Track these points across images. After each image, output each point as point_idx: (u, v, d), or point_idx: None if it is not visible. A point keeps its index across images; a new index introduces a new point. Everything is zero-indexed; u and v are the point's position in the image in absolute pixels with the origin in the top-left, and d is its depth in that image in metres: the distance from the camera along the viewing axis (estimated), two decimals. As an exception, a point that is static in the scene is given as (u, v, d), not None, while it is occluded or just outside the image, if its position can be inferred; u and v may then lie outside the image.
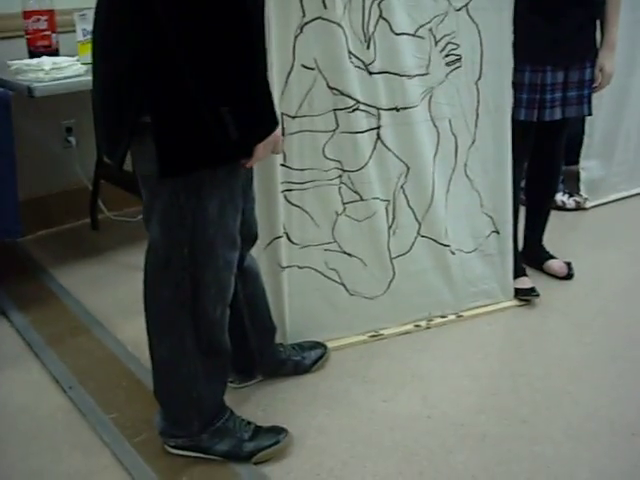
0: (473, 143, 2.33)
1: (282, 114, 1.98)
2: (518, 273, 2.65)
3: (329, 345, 2.24)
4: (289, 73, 1.95)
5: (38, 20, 2.77)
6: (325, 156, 2.08)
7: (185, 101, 1.34)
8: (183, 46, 1.28)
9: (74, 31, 2.74)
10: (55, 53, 2.79)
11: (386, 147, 2.15)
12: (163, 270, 1.57)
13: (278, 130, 1.48)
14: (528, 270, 2.76)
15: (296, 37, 1.93)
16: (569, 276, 2.81)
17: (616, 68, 2.54)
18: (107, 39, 1.45)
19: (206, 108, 1.33)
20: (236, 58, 1.30)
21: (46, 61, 2.56)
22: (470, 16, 2.19)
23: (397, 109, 2.12)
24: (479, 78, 2.27)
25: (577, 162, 3.57)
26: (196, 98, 1.32)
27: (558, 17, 2.35)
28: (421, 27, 2.11)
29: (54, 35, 2.81)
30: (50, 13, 2.79)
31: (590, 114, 2.59)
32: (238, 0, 1.27)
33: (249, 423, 1.83)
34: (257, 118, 1.40)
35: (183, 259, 1.54)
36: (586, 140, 3.48)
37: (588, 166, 3.57)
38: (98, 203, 3.21)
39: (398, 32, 2.05)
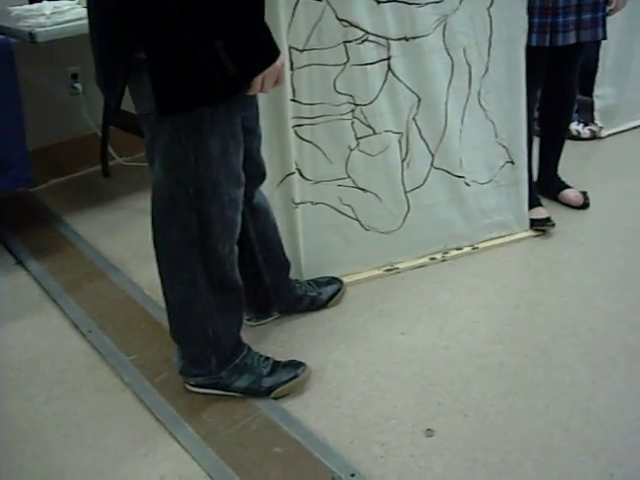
0: (487, 72, 2.28)
1: (290, 47, 1.94)
2: (533, 203, 2.62)
3: (345, 280, 2.24)
4: (296, 4, 1.90)
5: (38, -36, 2.71)
6: (336, 90, 2.04)
7: (179, 36, 1.31)
8: None
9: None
10: (56, -4, 2.73)
11: (397, 78, 2.10)
12: (169, 210, 1.56)
13: (280, 60, 1.44)
14: (543, 200, 2.73)
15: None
16: (585, 205, 2.78)
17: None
18: None
19: (199, 42, 1.30)
20: None
21: (47, 5, 2.52)
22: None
23: (406, 39, 2.07)
24: (491, 5, 2.19)
25: (592, 92, 3.49)
26: (188, 32, 1.29)
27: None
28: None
29: (54, -23, 2.75)
30: (50, -44, 2.72)
31: (605, 38, 2.50)
32: None
33: (267, 358, 1.84)
34: (254, 50, 1.36)
35: (188, 198, 1.53)
36: (600, 67, 3.40)
37: (602, 94, 3.49)
38: (108, 149, 3.19)
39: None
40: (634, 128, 3.62)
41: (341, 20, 1.96)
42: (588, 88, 3.46)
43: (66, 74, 3.14)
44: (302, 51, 1.96)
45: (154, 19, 1.31)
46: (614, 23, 2.95)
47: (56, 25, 2.42)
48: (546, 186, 2.82)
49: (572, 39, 2.40)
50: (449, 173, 2.32)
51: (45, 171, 3.12)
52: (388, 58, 2.07)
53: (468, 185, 2.37)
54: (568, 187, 2.83)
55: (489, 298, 2.22)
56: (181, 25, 1.29)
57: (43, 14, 2.45)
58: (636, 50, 3.45)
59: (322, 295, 2.15)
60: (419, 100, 2.17)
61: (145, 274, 2.39)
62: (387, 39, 2.04)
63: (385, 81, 2.09)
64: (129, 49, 1.37)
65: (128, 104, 1.52)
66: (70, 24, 2.43)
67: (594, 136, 3.50)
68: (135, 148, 3.19)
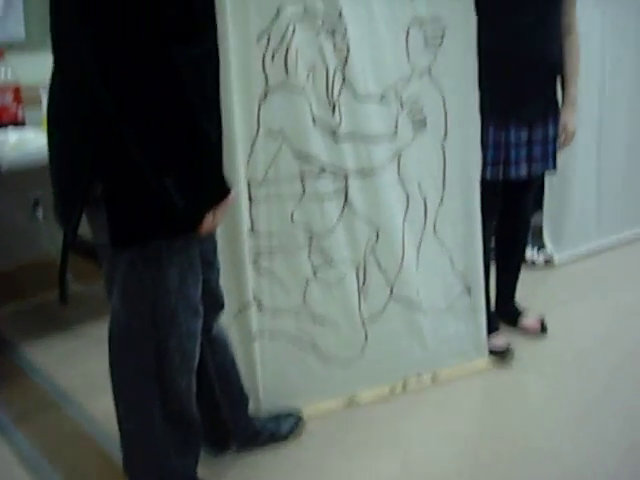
0: (442, 203, 2.35)
1: (248, 180, 1.98)
2: (492, 330, 2.64)
3: (305, 412, 2.20)
4: (254, 140, 1.96)
5: (4, 94, 2.78)
6: (293, 221, 2.08)
7: (133, 171, 1.33)
8: (122, 117, 1.28)
9: (40, 104, 2.74)
10: (21, 126, 2.79)
11: (354, 211, 2.15)
12: (126, 341, 1.55)
13: (232, 195, 1.46)
14: (502, 327, 2.75)
15: (260, 104, 1.94)
16: (543, 331, 2.81)
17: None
18: (61, 109, 1.45)
19: (151, 178, 1.32)
20: (176, 128, 1.31)
21: (12, 135, 2.55)
22: (434, 78, 2.23)
23: (364, 172, 2.13)
24: (444, 138, 2.29)
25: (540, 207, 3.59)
26: (142, 168, 1.32)
27: (519, 77, 2.40)
28: (386, 91, 2.14)
29: (20, 109, 2.81)
30: (16, 87, 2.80)
31: (554, 168, 2.62)
32: (173, 71, 1.28)
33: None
34: (203, 187, 1.39)
35: (145, 329, 1.51)
36: (546, 192, 3.50)
37: (550, 219, 3.60)
38: (67, 276, 3.17)
39: (363, 97, 2.07)
40: (587, 252, 3.71)
41: (298, 154, 2.02)
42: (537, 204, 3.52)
43: (28, 200, 3.15)
44: (260, 184, 2.01)
45: (110, 153, 1.34)
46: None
47: (20, 154, 2.45)
48: (504, 313, 2.85)
49: (524, 172, 2.51)
50: (407, 303, 2.34)
51: (1, 296, 3.07)
52: (345, 191, 2.12)
53: (426, 314, 2.39)
54: (525, 314, 2.86)
55: (451, 429, 2.19)
56: (135, 160, 1.32)
57: (8, 143, 2.49)
58: (581, 173, 3.58)
59: (281, 429, 2.11)
60: (377, 232, 2.21)
61: (101, 406, 2.32)
62: (344, 173, 2.10)
63: (342, 213, 2.13)
64: (87, 181, 1.39)
65: (89, 231, 1.53)
66: (34, 154, 2.46)
67: (548, 261, 3.57)
68: (94, 275, 3.16)
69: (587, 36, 2.90)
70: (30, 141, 2.53)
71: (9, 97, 2.77)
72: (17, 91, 2.79)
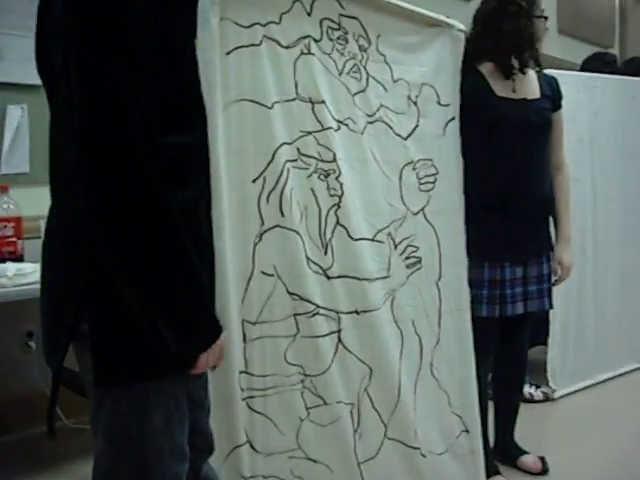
0: (438, 343, 2.33)
1: (243, 321, 1.97)
2: (491, 472, 2.57)
3: None
4: (249, 280, 1.97)
5: (5, 227, 2.82)
6: (287, 361, 2.05)
7: (122, 310, 1.33)
8: (115, 260, 1.29)
9: (40, 237, 2.77)
10: (20, 259, 2.81)
11: (348, 350, 2.13)
12: (109, 483, 1.49)
13: (223, 337, 1.45)
14: (501, 467, 2.68)
15: (255, 244, 1.96)
16: (544, 471, 2.73)
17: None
18: (55, 243, 1.46)
19: (143, 320, 1.32)
20: (169, 271, 1.31)
21: (10, 267, 2.57)
22: (427, 219, 2.28)
23: (357, 312, 2.13)
24: (439, 278, 2.31)
25: (542, 343, 3.56)
26: (132, 308, 1.32)
27: (512, 215, 2.45)
28: (380, 232, 2.17)
29: (20, 241, 2.84)
30: (17, 220, 2.84)
31: (551, 307, 2.64)
32: (167, 215, 1.30)
33: None
34: (195, 329, 1.37)
35: (129, 471, 1.46)
36: (550, 330, 3.51)
37: (552, 356, 3.58)
38: (56, 410, 3.10)
39: (356, 237, 2.10)
40: (585, 388, 3.67)
41: (291, 294, 2.02)
42: (538, 339, 3.51)
43: (21, 331, 3.13)
44: (255, 324, 1.99)
45: (99, 292, 1.34)
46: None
47: (17, 287, 2.45)
48: (503, 452, 2.78)
49: (520, 309, 2.51)
50: (403, 444, 2.28)
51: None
52: (338, 331, 2.10)
53: (424, 456, 2.32)
54: (525, 452, 2.79)
55: None
56: (125, 300, 1.31)
57: (5, 275, 2.50)
58: (581, 310, 3.60)
59: None
60: (371, 371, 2.18)
61: None
62: (338, 312, 2.10)
63: (336, 353, 2.11)
64: (74, 317, 1.38)
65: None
66: (31, 286, 2.46)
67: (547, 398, 3.52)
68: (84, 410, 3.11)
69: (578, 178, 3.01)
70: (28, 273, 2.54)
71: (10, 230, 2.81)
72: (18, 224, 2.83)
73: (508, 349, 2.69)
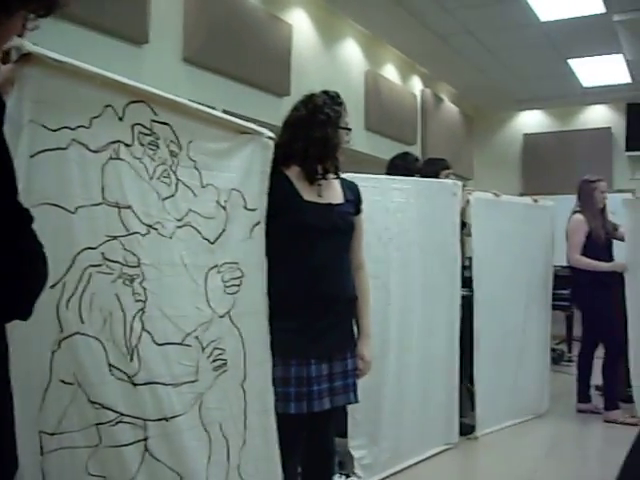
0: (244, 444, 2.33)
1: (40, 432, 1.87)
2: None
3: None
4: (46, 389, 1.87)
5: None
6: (88, 472, 1.95)
7: None
8: None
9: None
10: None
11: (155, 458, 2.07)
12: None
13: None
14: None
15: (53, 352, 1.88)
16: None
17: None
18: None
19: None
20: None
21: None
22: (232, 322, 2.30)
23: (167, 419, 2.09)
24: (244, 379, 2.33)
25: (343, 435, 3.65)
26: None
27: (317, 314, 2.54)
28: (188, 335, 2.15)
29: None
30: None
31: (357, 401, 2.72)
32: None
33: None
34: None
35: None
36: (351, 420, 3.59)
37: (357, 445, 3.66)
38: None
39: (161, 342, 2.07)
40: (391, 475, 3.79)
41: (93, 402, 1.94)
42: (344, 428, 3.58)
43: None
44: (52, 435, 1.90)
45: None
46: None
47: None
48: None
49: (327, 405, 2.57)
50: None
51: None
52: (145, 439, 2.04)
53: None
54: None
55: None
56: None
57: None
58: (383, 400, 3.74)
59: None
60: (181, 478, 2.13)
61: None
62: (144, 420, 2.04)
63: (142, 462, 2.05)
64: None
65: None
66: None
67: (356, 488, 3.59)
68: None
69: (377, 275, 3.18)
70: None
71: None
72: None
73: (316, 443, 2.73)
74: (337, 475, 3.56)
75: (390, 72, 7.58)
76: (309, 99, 2.65)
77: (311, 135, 2.57)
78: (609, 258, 5.18)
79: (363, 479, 3.63)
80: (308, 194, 2.60)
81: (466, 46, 7.19)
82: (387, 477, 3.77)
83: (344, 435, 3.63)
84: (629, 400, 5.02)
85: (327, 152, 2.59)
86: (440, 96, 8.82)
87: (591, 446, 4.98)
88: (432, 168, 4.71)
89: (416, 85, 8.28)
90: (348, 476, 3.61)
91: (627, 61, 7.47)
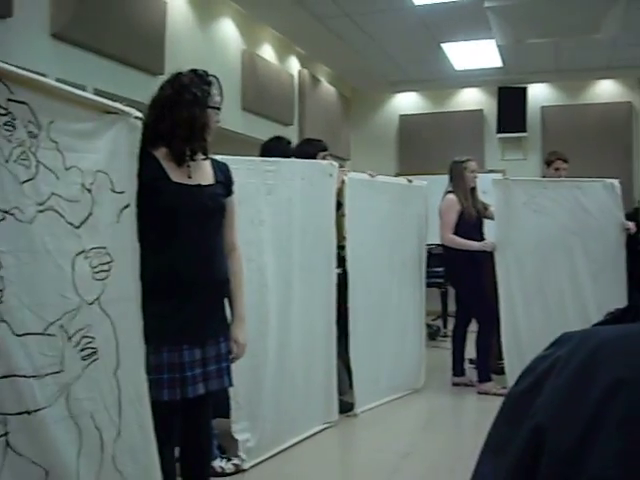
0: (119, 434, 2.27)
1: None
2: None
3: None
4: None
5: None
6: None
7: None
8: None
9: None
10: None
11: (17, 453, 1.97)
12: None
13: None
14: None
15: None
16: None
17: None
18: None
19: None
20: None
21: None
22: (102, 309, 2.22)
23: (29, 412, 1.99)
24: (117, 368, 2.26)
25: (226, 416, 3.63)
26: None
27: (189, 299, 2.50)
28: (51, 325, 2.06)
29: None
30: None
31: (231, 385, 2.70)
32: None
33: None
34: None
35: None
36: (233, 404, 3.58)
37: (239, 428, 3.65)
38: None
39: (20, 333, 1.96)
40: (276, 455, 3.81)
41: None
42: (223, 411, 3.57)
43: None
44: None
45: None
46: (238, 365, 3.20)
47: None
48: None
49: (201, 390, 2.53)
50: None
51: None
52: (5, 434, 1.94)
53: None
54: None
55: None
56: None
57: None
58: (264, 382, 3.75)
59: None
60: (47, 473, 2.04)
61: None
62: (4, 415, 1.94)
63: (4, 458, 1.95)
64: None
65: None
66: None
67: (238, 469, 3.58)
68: None
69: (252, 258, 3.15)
70: None
71: None
72: None
73: (192, 428, 2.69)
74: (219, 459, 3.54)
75: (267, 52, 7.54)
76: (175, 78, 2.59)
77: (177, 115, 2.50)
78: (480, 237, 5.38)
79: (246, 462, 3.62)
80: (177, 175, 2.54)
81: (343, 28, 7.23)
82: (269, 458, 3.78)
83: (227, 416, 3.61)
84: (501, 372, 5.25)
85: (194, 133, 2.53)
86: (317, 77, 8.86)
87: (465, 417, 5.19)
88: (309, 149, 4.72)
89: (293, 65, 8.27)
90: (229, 459, 3.59)
91: (498, 46, 7.74)
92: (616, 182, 5.29)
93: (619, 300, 4.47)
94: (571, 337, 0.84)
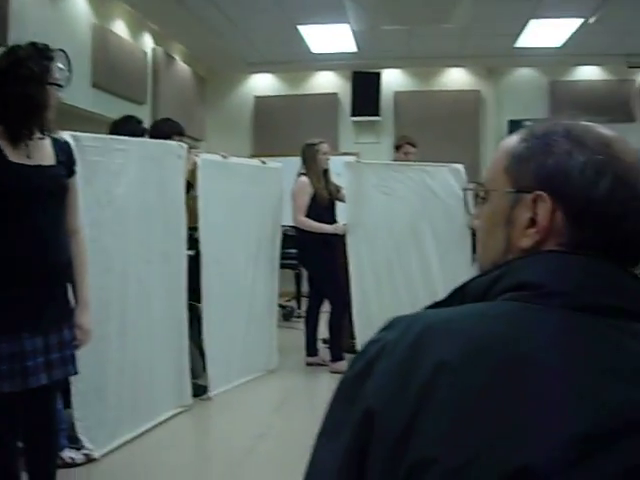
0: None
1: None
2: None
3: None
4: None
5: None
6: None
7: None
8: None
9: None
10: None
11: None
12: None
13: None
14: None
15: None
16: None
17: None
18: None
19: None
20: None
21: None
22: None
23: None
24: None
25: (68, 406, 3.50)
26: None
27: (29, 284, 2.39)
28: None
29: None
30: None
31: (76, 373, 2.61)
32: None
33: None
34: None
35: None
36: (73, 390, 3.41)
37: (82, 415, 3.49)
38: None
39: None
40: (127, 442, 3.73)
41: None
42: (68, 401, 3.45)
43: None
44: None
45: None
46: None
47: None
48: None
49: (44, 380, 2.43)
50: None
51: None
52: None
53: None
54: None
55: None
56: None
57: None
58: (107, 368, 3.63)
59: None
60: None
61: None
62: None
63: None
64: None
65: None
66: None
67: (89, 459, 3.47)
68: None
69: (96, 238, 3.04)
70: None
71: None
72: None
73: (37, 419, 2.59)
74: (67, 449, 3.41)
75: (120, 28, 7.26)
76: (11, 51, 2.43)
77: (11, 92, 2.36)
78: (332, 219, 5.48)
79: (96, 450, 3.51)
80: (14, 155, 2.40)
81: (198, 5, 7.09)
82: (122, 445, 3.68)
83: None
84: (353, 351, 5.35)
85: (30, 110, 2.40)
86: (172, 55, 8.65)
87: (319, 396, 5.26)
88: (165, 128, 4.61)
89: (147, 43, 8.01)
90: (79, 449, 3.47)
91: (353, 31, 7.87)
92: (461, 167, 5.52)
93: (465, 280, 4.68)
94: (400, 321, 0.86)
